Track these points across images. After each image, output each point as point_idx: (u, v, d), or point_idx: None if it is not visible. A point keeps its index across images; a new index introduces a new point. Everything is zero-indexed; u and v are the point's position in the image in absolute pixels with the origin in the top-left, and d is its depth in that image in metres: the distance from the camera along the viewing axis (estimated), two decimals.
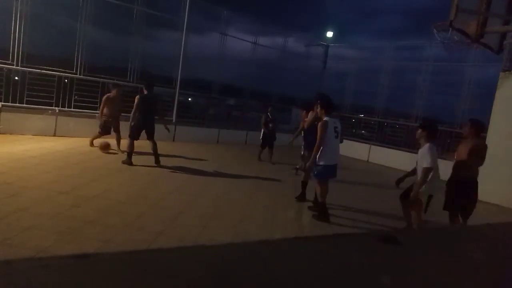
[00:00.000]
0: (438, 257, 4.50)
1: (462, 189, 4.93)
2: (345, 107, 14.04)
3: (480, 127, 5.07)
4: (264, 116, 9.36)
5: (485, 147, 4.97)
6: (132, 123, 6.98)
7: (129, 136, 6.99)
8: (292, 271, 3.48)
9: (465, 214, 5.14)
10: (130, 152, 6.91)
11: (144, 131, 7.09)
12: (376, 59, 13.54)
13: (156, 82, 11.01)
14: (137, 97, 7.00)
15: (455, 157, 5.12)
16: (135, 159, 7.04)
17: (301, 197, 5.99)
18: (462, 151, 4.95)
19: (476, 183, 4.94)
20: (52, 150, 7.23)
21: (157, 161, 7.18)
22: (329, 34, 15.85)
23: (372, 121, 13.56)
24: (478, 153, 4.84)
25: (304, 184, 6.02)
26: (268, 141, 9.32)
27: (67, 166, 6.14)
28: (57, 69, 9.14)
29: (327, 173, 5.06)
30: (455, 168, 5.05)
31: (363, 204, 6.12)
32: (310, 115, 5.96)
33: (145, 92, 7.20)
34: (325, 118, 4.95)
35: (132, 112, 6.96)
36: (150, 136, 7.17)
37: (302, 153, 6.56)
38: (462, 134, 5.64)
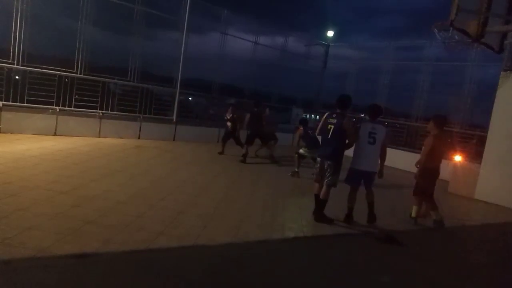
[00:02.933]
0: (438, 256, 4.50)
1: (430, 176, 5.45)
2: None
3: (441, 122, 5.55)
4: None
5: (446, 140, 5.65)
6: (247, 133, 9.09)
7: (246, 142, 8.96)
8: (292, 271, 3.48)
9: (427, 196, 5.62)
10: (246, 153, 8.80)
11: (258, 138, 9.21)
12: (376, 59, 13.52)
13: (157, 81, 11.17)
14: (248, 114, 9.06)
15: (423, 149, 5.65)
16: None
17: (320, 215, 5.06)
18: (428, 143, 5.49)
19: (438, 171, 5.46)
20: (52, 150, 7.22)
21: (272, 160, 9.39)
22: (329, 34, 15.84)
23: None
24: (441, 145, 5.43)
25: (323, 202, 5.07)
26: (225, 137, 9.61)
27: (67, 166, 6.13)
28: (58, 68, 9.14)
29: (350, 177, 5.13)
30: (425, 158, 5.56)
31: (363, 204, 6.11)
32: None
33: (255, 109, 9.10)
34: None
35: (244, 124, 9.13)
36: (264, 142, 9.43)
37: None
38: (426, 128, 6.26)
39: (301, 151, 8.04)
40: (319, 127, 5.22)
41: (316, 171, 5.11)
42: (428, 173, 5.43)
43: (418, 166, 5.54)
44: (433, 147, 5.33)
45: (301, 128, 8.12)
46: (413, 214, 5.56)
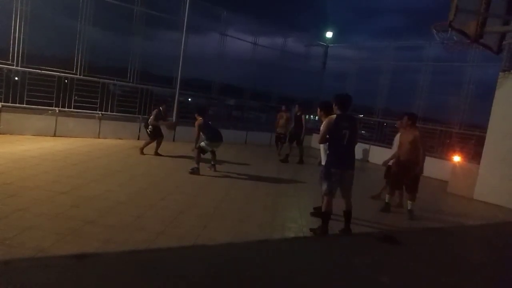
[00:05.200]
0: (438, 256, 4.50)
1: (405, 170, 5.80)
2: None
3: (415, 119, 5.98)
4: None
5: (421, 136, 5.83)
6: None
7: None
8: (292, 271, 3.48)
9: (411, 189, 5.93)
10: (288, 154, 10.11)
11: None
12: (376, 59, 13.53)
13: (156, 82, 11.17)
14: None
15: (398, 146, 6.07)
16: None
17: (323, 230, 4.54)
18: (403, 140, 5.89)
19: (416, 164, 5.73)
20: (52, 150, 7.23)
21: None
22: (329, 34, 15.83)
23: (372, 121, 13.56)
24: (416, 142, 5.70)
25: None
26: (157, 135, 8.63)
27: (67, 166, 6.14)
28: (57, 69, 9.14)
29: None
30: (399, 155, 5.97)
31: (363, 204, 6.12)
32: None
33: (298, 113, 10.60)
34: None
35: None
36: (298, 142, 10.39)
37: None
38: (398, 126, 6.73)
39: (202, 144, 7.22)
40: (326, 133, 4.41)
41: (331, 184, 4.39)
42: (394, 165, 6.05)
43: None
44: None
45: (200, 118, 7.25)
46: (387, 200, 6.02)
